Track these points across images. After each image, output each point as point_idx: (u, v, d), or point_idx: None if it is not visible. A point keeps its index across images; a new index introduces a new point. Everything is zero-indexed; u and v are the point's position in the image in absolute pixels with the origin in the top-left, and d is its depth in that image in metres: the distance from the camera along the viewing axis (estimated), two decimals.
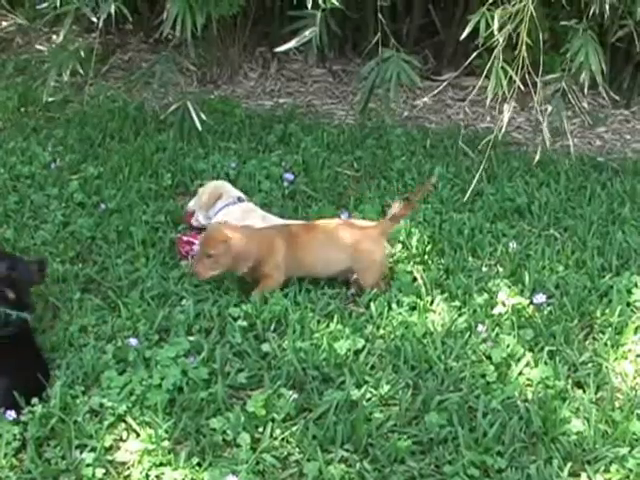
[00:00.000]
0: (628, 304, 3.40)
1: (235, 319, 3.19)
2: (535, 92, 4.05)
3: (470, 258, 3.70)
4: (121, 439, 2.68)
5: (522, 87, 3.88)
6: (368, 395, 2.84)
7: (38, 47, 6.12)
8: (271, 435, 2.68)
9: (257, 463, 2.59)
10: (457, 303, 3.35)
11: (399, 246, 3.73)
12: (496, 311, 3.30)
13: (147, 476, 2.55)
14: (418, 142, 4.89)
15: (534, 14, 3.76)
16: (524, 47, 3.72)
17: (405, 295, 3.37)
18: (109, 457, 2.61)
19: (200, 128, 4.55)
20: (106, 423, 2.70)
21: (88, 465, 2.56)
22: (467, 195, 4.02)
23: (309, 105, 5.57)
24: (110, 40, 6.09)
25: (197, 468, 2.57)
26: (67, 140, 4.66)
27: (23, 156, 4.45)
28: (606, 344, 3.17)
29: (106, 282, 3.44)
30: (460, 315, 3.28)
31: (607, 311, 3.34)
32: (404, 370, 2.98)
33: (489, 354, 3.06)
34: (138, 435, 2.68)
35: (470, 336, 3.15)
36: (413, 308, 3.31)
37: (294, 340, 3.07)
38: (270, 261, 3.34)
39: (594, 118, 5.45)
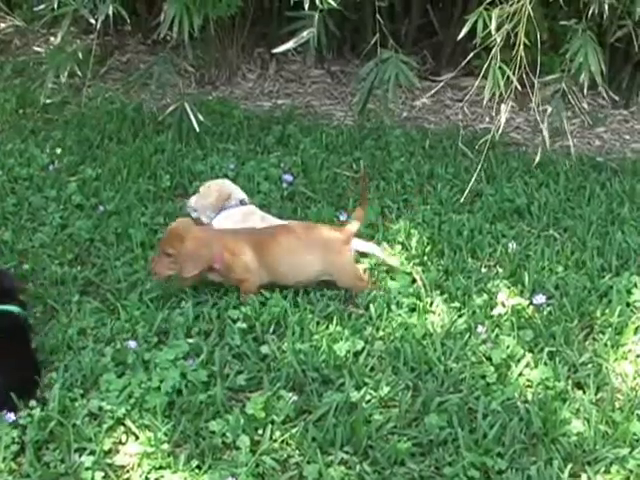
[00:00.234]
0: (628, 304, 3.39)
1: (234, 321, 3.18)
2: (533, 92, 4.06)
3: (469, 259, 3.69)
4: (120, 442, 2.68)
5: (519, 87, 3.88)
6: (368, 397, 2.83)
7: (36, 49, 6.11)
8: (271, 437, 2.67)
9: (257, 465, 2.59)
10: (457, 304, 3.35)
11: (398, 247, 3.73)
12: (496, 312, 3.30)
13: (147, 479, 2.55)
14: (417, 143, 4.89)
15: (532, 14, 3.76)
16: (522, 47, 3.72)
17: (404, 296, 3.37)
18: (108, 460, 2.60)
19: (198, 129, 4.55)
20: (105, 426, 2.69)
21: (87, 468, 2.56)
22: (464, 195, 4.01)
23: (308, 106, 5.57)
24: (108, 41, 6.08)
25: (197, 471, 2.57)
26: (65, 142, 4.65)
27: (21, 158, 4.44)
28: (606, 345, 3.17)
29: (105, 284, 3.43)
30: (460, 316, 3.28)
31: (607, 311, 3.33)
32: (404, 372, 2.97)
33: (489, 355, 3.06)
34: (137, 438, 2.67)
35: (470, 337, 3.15)
36: (413, 309, 3.31)
37: (293, 342, 3.07)
38: (237, 265, 3.27)
39: (593, 118, 5.45)
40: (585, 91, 4.37)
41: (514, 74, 3.72)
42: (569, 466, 2.61)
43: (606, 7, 4.15)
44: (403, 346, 3.07)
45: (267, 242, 3.32)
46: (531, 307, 3.33)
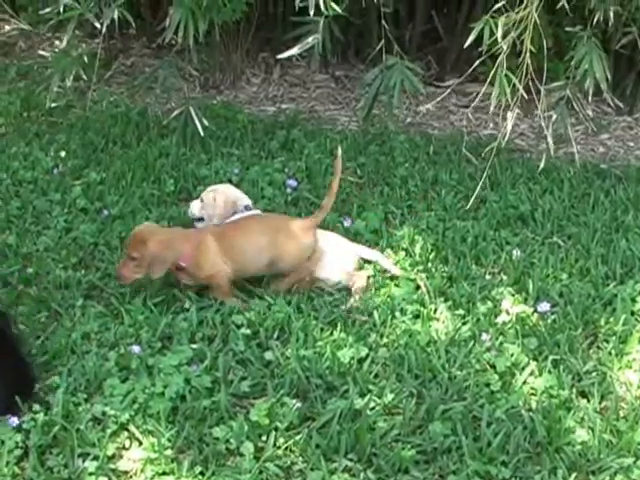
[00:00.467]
0: (632, 313, 3.38)
1: (238, 327, 3.18)
2: (539, 99, 4.05)
3: (474, 266, 3.69)
4: (124, 447, 2.67)
5: (525, 95, 3.87)
6: (372, 404, 2.83)
7: (41, 52, 6.11)
8: (274, 444, 2.67)
9: (260, 472, 2.58)
10: (461, 311, 3.34)
11: (402, 253, 3.72)
12: (500, 320, 3.29)
13: None
14: (421, 148, 4.88)
15: (538, 21, 3.76)
16: (528, 55, 3.72)
17: (409, 303, 3.36)
18: (112, 466, 2.60)
19: (203, 134, 4.55)
20: (109, 431, 2.68)
21: (91, 474, 2.55)
22: (470, 203, 4.01)
23: (312, 111, 5.57)
24: (113, 45, 6.09)
25: (200, 477, 2.56)
26: (70, 145, 4.65)
27: (26, 161, 4.44)
28: (610, 353, 3.16)
29: (109, 289, 3.43)
30: (464, 323, 3.27)
31: (611, 320, 3.33)
32: (408, 379, 2.97)
33: (493, 363, 3.05)
34: (141, 443, 2.66)
35: (474, 345, 3.14)
36: (417, 316, 3.30)
37: (297, 348, 3.06)
38: (204, 261, 3.29)
39: (597, 125, 5.45)
40: (589, 98, 4.37)
41: (520, 82, 3.71)
42: (573, 475, 2.60)
43: (611, 14, 4.15)
44: (407, 353, 3.07)
45: (228, 234, 3.37)
46: (535, 315, 3.33)
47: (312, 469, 2.60)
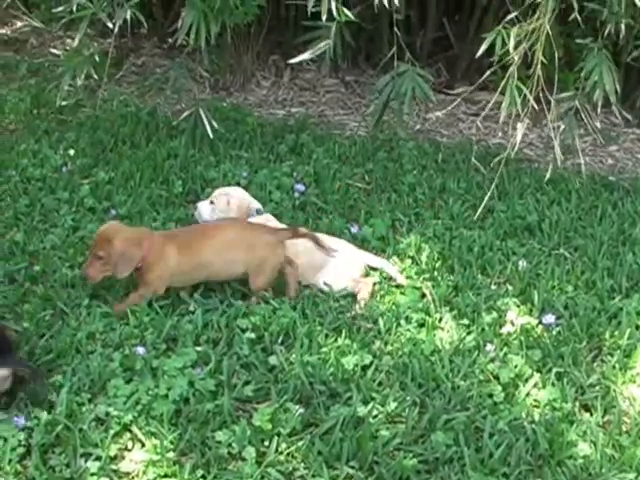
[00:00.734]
0: (637, 327, 3.38)
1: (243, 331, 3.19)
2: (548, 109, 4.05)
3: (479, 276, 3.69)
4: (126, 449, 2.67)
5: (536, 106, 3.87)
6: (375, 412, 2.82)
7: (52, 50, 6.13)
8: (277, 450, 2.67)
9: (262, 477, 2.58)
10: (466, 321, 3.34)
11: (408, 261, 3.73)
12: (505, 330, 3.29)
13: None
14: (430, 156, 4.89)
15: (550, 32, 3.76)
16: (539, 66, 3.72)
17: (414, 311, 3.36)
18: (114, 466, 2.60)
19: (212, 136, 4.55)
20: (111, 432, 2.69)
21: (93, 474, 2.55)
22: (478, 212, 4.01)
23: (321, 115, 5.58)
24: (124, 44, 6.10)
25: None
26: (79, 144, 4.66)
27: (35, 159, 4.45)
28: (614, 367, 3.15)
29: (114, 289, 3.43)
30: (468, 333, 3.27)
31: (616, 333, 3.32)
32: (411, 387, 2.97)
33: (497, 374, 3.05)
34: (143, 445, 2.67)
35: (478, 355, 3.14)
36: (421, 325, 3.30)
37: (302, 354, 3.06)
38: (156, 269, 3.27)
39: (606, 137, 5.44)
40: (599, 109, 4.37)
41: (531, 92, 3.71)
42: None
43: (623, 27, 4.15)
44: (411, 362, 3.07)
45: (197, 240, 3.34)
46: (540, 326, 3.32)
47: (314, 476, 2.60)
